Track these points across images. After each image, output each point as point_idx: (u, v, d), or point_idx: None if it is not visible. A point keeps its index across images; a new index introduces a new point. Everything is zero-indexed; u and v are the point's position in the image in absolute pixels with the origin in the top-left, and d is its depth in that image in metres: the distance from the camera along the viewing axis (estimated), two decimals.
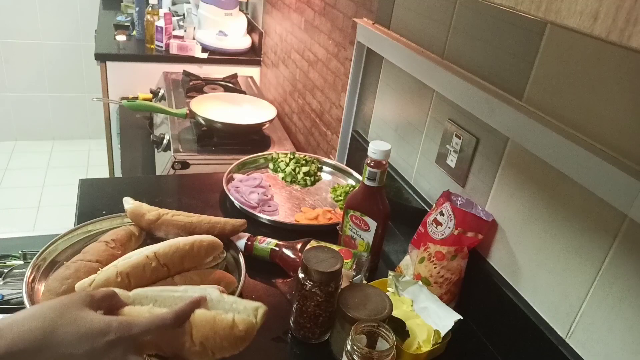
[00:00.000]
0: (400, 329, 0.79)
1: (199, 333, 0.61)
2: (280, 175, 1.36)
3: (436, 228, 0.90)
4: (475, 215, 0.87)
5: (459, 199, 0.92)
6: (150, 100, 2.23)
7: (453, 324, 0.79)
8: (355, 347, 0.68)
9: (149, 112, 2.15)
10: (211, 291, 0.65)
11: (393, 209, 0.97)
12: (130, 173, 2.43)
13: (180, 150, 1.65)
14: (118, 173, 2.58)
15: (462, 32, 0.95)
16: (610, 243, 0.68)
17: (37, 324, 0.50)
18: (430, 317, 0.83)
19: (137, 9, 2.52)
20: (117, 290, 0.62)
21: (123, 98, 2.32)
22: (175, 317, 0.59)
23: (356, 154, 1.40)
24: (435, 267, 0.89)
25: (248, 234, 1.01)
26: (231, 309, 0.64)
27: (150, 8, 2.43)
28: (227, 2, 2.45)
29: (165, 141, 1.76)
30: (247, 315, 0.64)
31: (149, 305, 0.63)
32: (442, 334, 0.79)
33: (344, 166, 1.39)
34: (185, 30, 2.53)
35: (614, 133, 0.66)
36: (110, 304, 0.59)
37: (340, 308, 0.77)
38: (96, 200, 1.12)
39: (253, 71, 2.56)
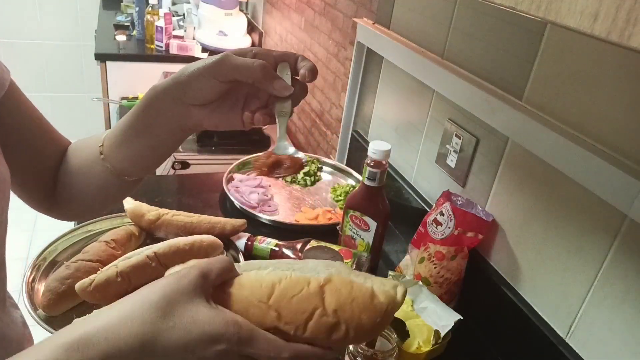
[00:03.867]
0: (400, 329, 0.79)
1: (333, 297, 0.47)
2: None
3: (436, 228, 0.90)
4: (475, 215, 0.87)
5: (459, 199, 0.92)
6: None
7: (453, 324, 0.79)
8: (358, 349, 0.68)
9: None
10: (339, 265, 0.52)
11: (393, 209, 0.97)
12: None
13: (180, 150, 1.66)
14: None
15: (462, 32, 0.95)
16: (610, 243, 0.67)
17: (136, 329, 0.40)
18: (430, 317, 0.83)
19: (137, 9, 2.52)
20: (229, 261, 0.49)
21: (123, 98, 2.32)
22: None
23: (356, 154, 1.40)
24: (435, 267, 0.89)
25: (248, 234, 1.01)
26: (369, 280, 0.51)
27: (150, 8, 2.43)
28: (227, 2, 2.45)
29: None
30: (386, 289, 0.50)
31: (268, 269, 0.50)
32: (442, 334, 0.79)
33: (344, 166, 1.39)
34: (185, 30, 2.53)
35: (614, 133, 0.66)
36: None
37: None
38: None
39: None
